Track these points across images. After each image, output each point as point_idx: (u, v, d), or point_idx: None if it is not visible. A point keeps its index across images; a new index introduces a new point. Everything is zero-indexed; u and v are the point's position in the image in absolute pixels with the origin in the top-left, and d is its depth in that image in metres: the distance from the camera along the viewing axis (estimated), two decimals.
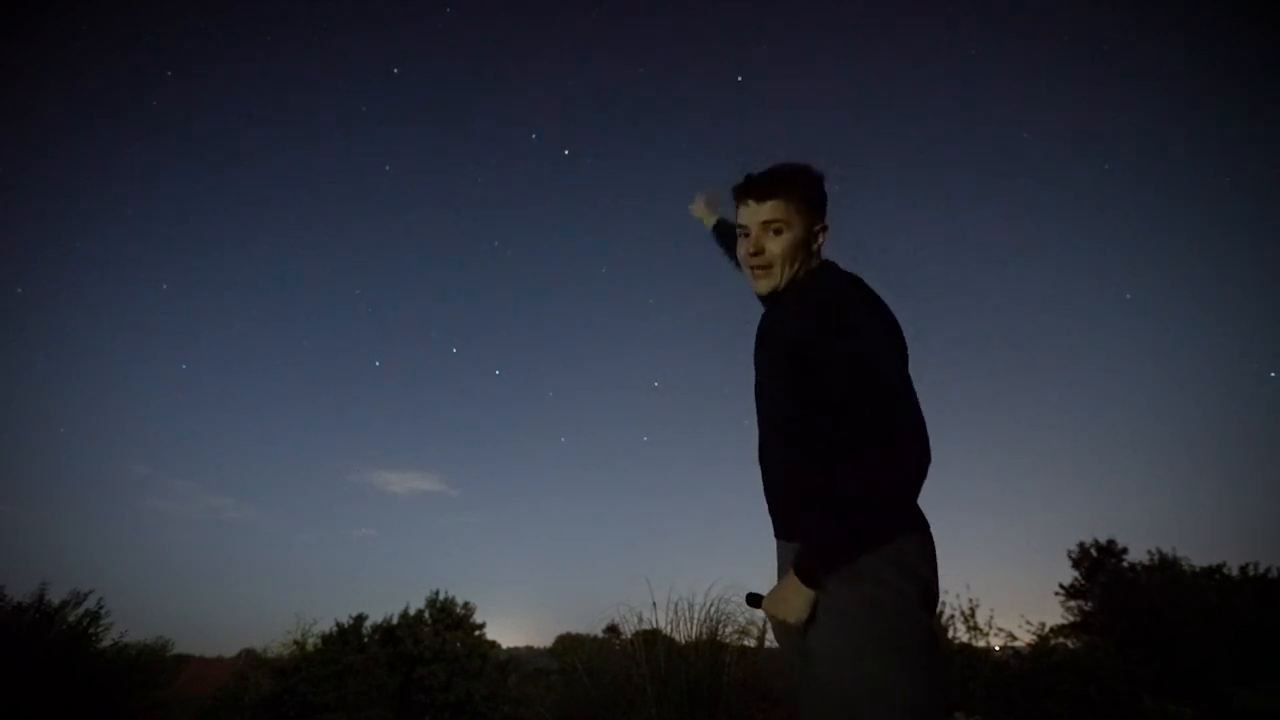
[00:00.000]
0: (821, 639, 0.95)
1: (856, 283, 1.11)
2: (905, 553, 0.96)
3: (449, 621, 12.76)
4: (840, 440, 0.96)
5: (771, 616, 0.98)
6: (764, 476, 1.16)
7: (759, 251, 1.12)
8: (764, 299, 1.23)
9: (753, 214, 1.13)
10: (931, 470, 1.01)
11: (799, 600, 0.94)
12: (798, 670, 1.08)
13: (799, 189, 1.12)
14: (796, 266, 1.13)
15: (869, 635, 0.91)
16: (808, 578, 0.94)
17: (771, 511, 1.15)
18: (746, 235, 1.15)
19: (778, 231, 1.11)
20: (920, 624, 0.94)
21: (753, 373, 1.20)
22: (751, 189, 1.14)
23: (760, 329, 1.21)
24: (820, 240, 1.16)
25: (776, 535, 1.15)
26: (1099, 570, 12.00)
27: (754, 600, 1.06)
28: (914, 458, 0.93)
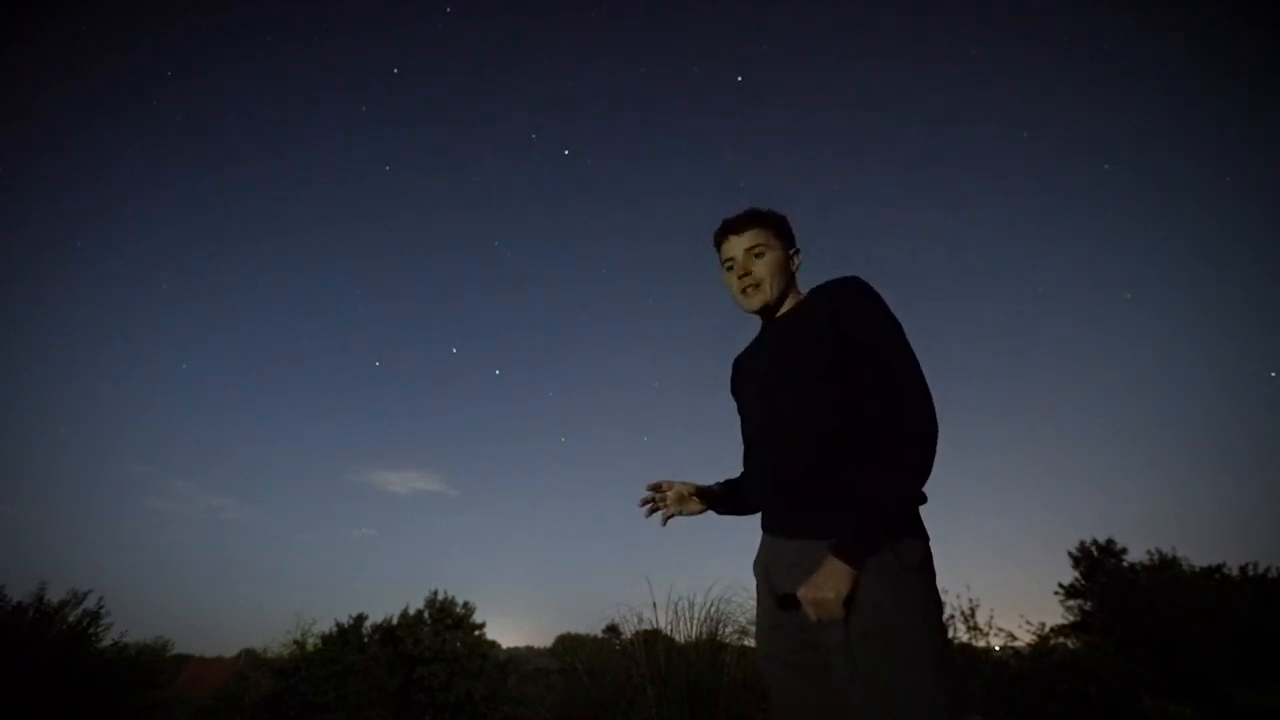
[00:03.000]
0: (867, 631, 0.96)
1: None
2: (930, 555, 1.03)
3: (449, 621, 12.76)
4: (881, 415, 1.01)
5: (813, 602, 0.97)
6: (781, 472, 1.14)
7: (748, 272, 1.26)
8: (762, 318, 1.32)
9: (735, 245, 1.28)
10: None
11: (843, 578, 0.96)
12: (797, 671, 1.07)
13: (772, 220, 1.29)
14: (783, 285, 1.27)
15: (917, 633, 0.95)
16: (849, 552, 0.96)
17: (792, 506, 1.13)
18: (731, 267, 1.29)
19: (760, 254, 1.26)
20: (946, 630, 1.03)
21: (753, 387, 1.27)
22: (731, 225, 1.30)
23: (777, 337, 1.24)
24: (797, 263, 1.31)
25: (787, 534, 1.12)
26: (1099, 570, 12.01)
27: (788, 600, 1.05)
28: (935, 441, 1.00)
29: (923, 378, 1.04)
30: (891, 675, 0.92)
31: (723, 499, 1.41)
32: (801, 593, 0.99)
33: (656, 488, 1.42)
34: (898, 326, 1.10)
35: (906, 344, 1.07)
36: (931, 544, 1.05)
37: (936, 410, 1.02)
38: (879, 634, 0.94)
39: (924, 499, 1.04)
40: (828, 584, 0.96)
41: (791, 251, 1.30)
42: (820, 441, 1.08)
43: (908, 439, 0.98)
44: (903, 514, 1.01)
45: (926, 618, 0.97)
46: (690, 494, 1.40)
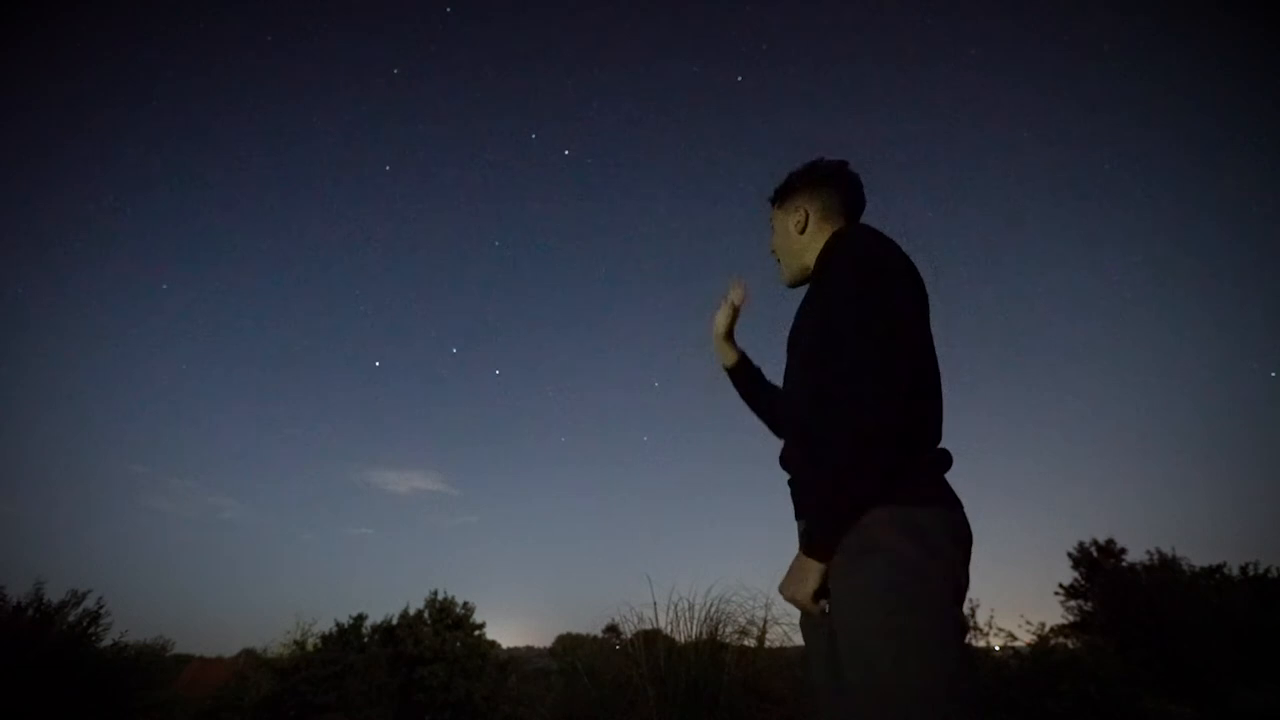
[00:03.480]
0: (840, 621, 0.91)
1: (868, 230, 1.12)
2: (923, 527, 0.90)
3: (449, 621, 12.76)
4: (837, 384, 0.94)
5: (787, 599, 0.96)
6: (784, 455, 1.16)
7: (772, 250, 1.31)
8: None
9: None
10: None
11: (804, 573, 0.93)
12: (818, 669, 1.05)
13: (779, 195, 1.29)
14: (798, 253, 1.24)
15: (887, 617, 0.85)
16: (809, 547, 0.93)
17: (794, 490, 1.14)
18: None
19: (772, 232, 1.31)
20: (945, 611, 0.86)
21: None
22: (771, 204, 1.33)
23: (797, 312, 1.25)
24: (801, 221, 1.22)
25: (797, 513, 1.14)
26: (1099, 570, 12.00)
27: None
28: (902, 402, 0.88)
29: (880, 362, 0.90)
30: (855, 661, 0.88)
31: (748, 376, 1.44)
32: (779, 588, 0.99)
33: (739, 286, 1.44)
34: (867, 301, 0.95)
35: (871, 322, 0.93)
36: (936, 518, 0.92)
37: (899, 394, 0.89)
38: (848, 626, 0.90)
39: (897, 451, 0.91)
40: (792, 582, 0.95)
41: (794, 220, 1.22)
42: (801, 423, 1.08)
43: (851, 428, 0.88)
44: (864, 494, 0.90)
45: (887, 597, 0.86)
46: (730, 334, 1.44)
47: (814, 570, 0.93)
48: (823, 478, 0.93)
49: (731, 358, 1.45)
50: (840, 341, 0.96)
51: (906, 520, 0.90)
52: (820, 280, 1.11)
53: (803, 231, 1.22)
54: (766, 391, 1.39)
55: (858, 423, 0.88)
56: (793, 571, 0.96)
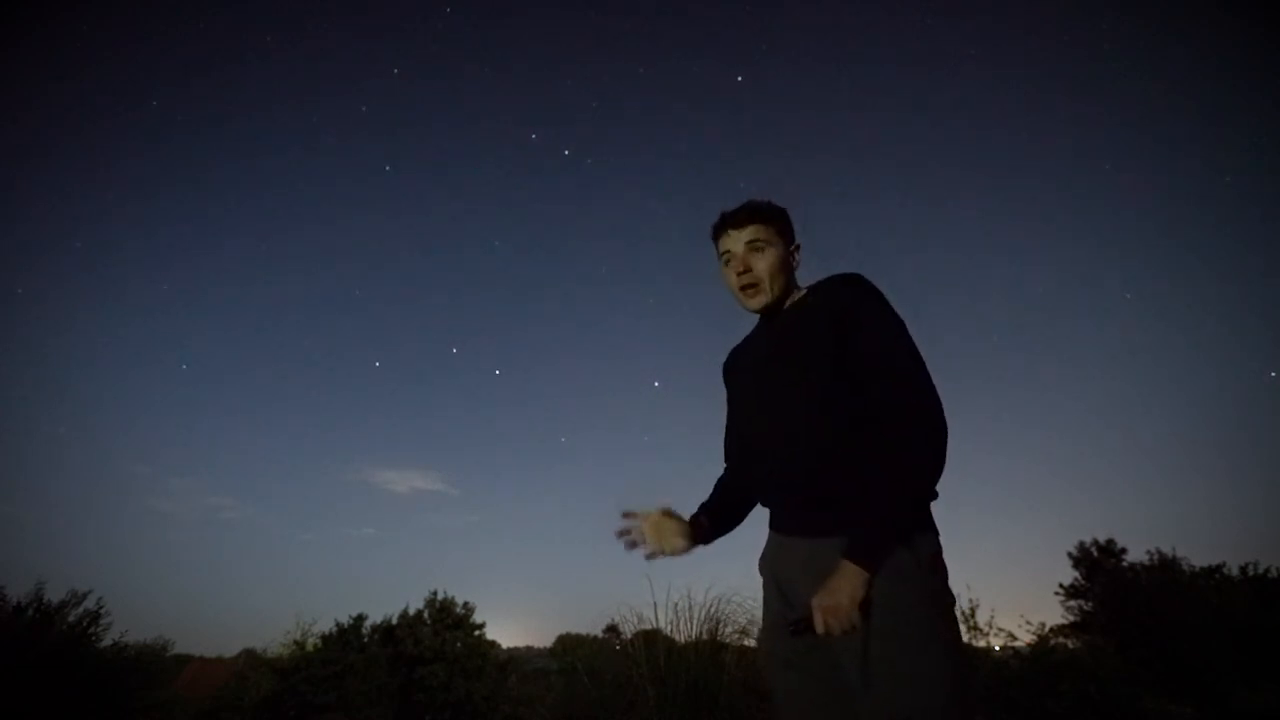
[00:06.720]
0: (884, 626, 0.95)
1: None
2: (939, 548, 1.03)
3: (449, 621, 12.76)
4: (890, 416, 1.01)
5: (829, 609, 0.94)
6: (788, 471, 1.11)
7: (748, 269, 1.20)
8: (761, 313, 1.27)
9: (734, 239, 1.22)
10: None
11: (858, 584, 0.94)
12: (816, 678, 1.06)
13: (773, 214, 1.24)
14: (785, 283, 1.22)
15: (932, 623, 0.96)
16: (863, 559, 0.95)
17: (800, 506, 1.11)
18: (729, 261, 1.24)
19: (760, 250, 1.21)
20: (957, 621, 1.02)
21: (749, 385, 1.24)
22: (730, 219, 1.24)
23: (777, 334, 1.21)
24: (797, 259, 1.27)
25: (796, 534, 1.11)
26: (1099, 570, 12.00)
27: (801, 625, 1.00)
28: (945, 441, 1.01)
29: (930, 380, 1.05)
30: (909, 669, 0.93)
31: (710, 530, 1.31)
32: (815, 601, 0.96)
33: (630, 517, 1.30)
34: (903, 327, 1.10)
35: (913, 344, 1.08)
36: (940, 538, 1.06)
37: (944, 410, 1.03)
38: (896, 630, 0.94)
39: (935, 495, 1.04)
40: (843, 590, 0.94)
41: (792, 247, 1.26)
42: (827, 441, 1.06)
43: (920, 441, 0.99)
44: (916, 513, 1.02)
45: (942, 610, 0.98)
46: (672, 528, 1.26)
47: (864, 581, 0.95)
48: (898, 489, 0.98)
49: (692, 538, 1.27)
50: (897, 359, 1.05)
51: (935, 542, 1.04)
52: (844, 308, 1.10)
53: (795, 267, 1.26)
54: (730, 504, 1.33)
55: (936, 446, 1.00)
56: (839, 582, 0.95)
